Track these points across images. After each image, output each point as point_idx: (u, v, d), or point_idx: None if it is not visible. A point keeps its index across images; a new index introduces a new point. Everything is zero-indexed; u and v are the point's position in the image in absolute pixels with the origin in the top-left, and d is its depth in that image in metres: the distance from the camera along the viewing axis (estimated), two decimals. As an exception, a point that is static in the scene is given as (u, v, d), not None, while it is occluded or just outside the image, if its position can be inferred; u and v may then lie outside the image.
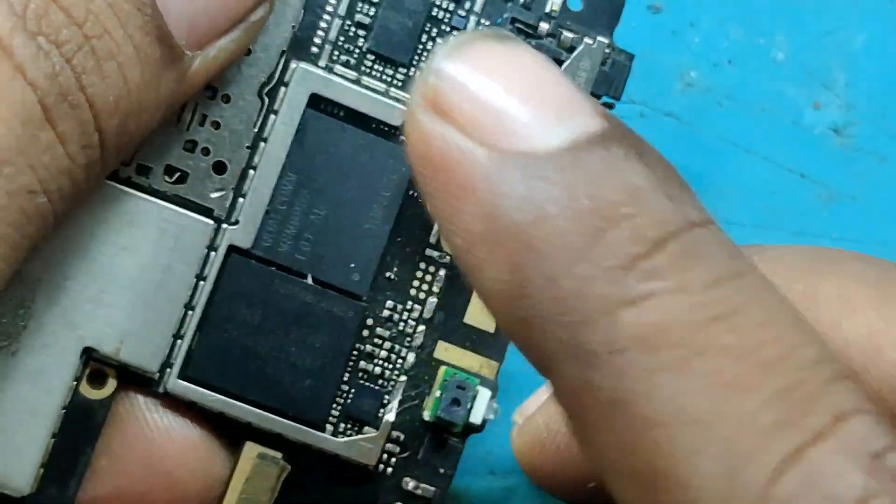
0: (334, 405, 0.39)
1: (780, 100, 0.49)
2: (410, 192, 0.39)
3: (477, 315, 0.40)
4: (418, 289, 0.40)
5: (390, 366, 0.40)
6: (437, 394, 0.39)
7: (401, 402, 0.39)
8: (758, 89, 0.49)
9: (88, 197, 0.35)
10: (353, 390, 0.39)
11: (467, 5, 0.40)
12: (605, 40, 0.40)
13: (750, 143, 0.49)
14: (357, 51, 0.39)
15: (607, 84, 0.40)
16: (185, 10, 0.33)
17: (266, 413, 0.38)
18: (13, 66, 0.31)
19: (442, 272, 0.40)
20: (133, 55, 0.33)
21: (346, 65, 0.39)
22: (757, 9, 0.49)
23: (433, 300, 0.40)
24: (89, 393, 0.37)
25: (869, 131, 0.49)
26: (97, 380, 0.38)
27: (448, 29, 0.40)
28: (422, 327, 0.40)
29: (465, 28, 0.40)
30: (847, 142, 0.49)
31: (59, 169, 0.32)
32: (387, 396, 0.40)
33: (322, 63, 0.39)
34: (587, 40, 0.40)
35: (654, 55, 0.39)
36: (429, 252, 0.40)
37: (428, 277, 0.40)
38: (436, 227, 0.40)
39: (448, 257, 0.40)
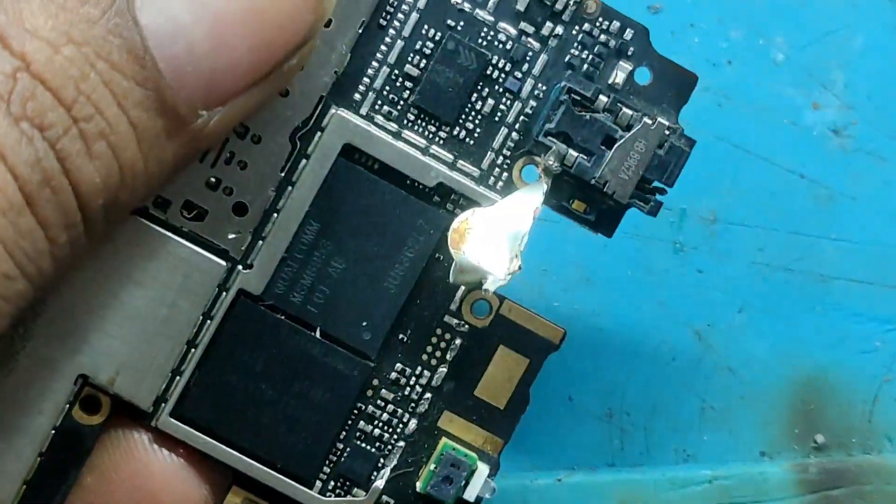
0: (326, 462, 0.38)
1: (779, 100, 0.49)
2: (437, 256, 0.38)
3: (489, 389, 0.39)
4: (430, 355, 0.38)
5: (390, 430, 0.38)
6: (432, 466, 0.38)
7: (395, 468, 0.38)
8: (757, 90, 0.49)
9: (75, 263, 0.34)
10: (347, 450, 0.38)
11: (525, 67, 0.38)
12: (667, 122, 0.38)
13: (749, 143, 0.49)
14: (401, 102, 0.38)
15: (661, 169, 0.38)
16: (206, 68, 0.32)
17: (254, 462, 0.38)
18: None
19: (458, 341, 0.38)
20: (127, 132, 0.32)
21: (387, 116, 0.38)
22: (757, 9, 0.49)
23: (444, 369, 0.38)
24: (81, 418, 0.37)
25: (868, 132, 0.49)
26: (91, 406, 0.37)
27: (501, 90, 0.38)
28: (428, 394, 0.38)
29: (519, 91, 0.38)
30: (846, 142, 0.49)
31: (38, 252, 0.31)
32: (382, 460, 0.38)
33: (363, 111, 0.37)
34: (647, 120, 0.37)
35: (653, 55, 0.39)
36: (447, 319, 0.38)
37: (442, 345, 0.38)
38: (458, 294, 0.38)
39: (466, 326, 0.38)
